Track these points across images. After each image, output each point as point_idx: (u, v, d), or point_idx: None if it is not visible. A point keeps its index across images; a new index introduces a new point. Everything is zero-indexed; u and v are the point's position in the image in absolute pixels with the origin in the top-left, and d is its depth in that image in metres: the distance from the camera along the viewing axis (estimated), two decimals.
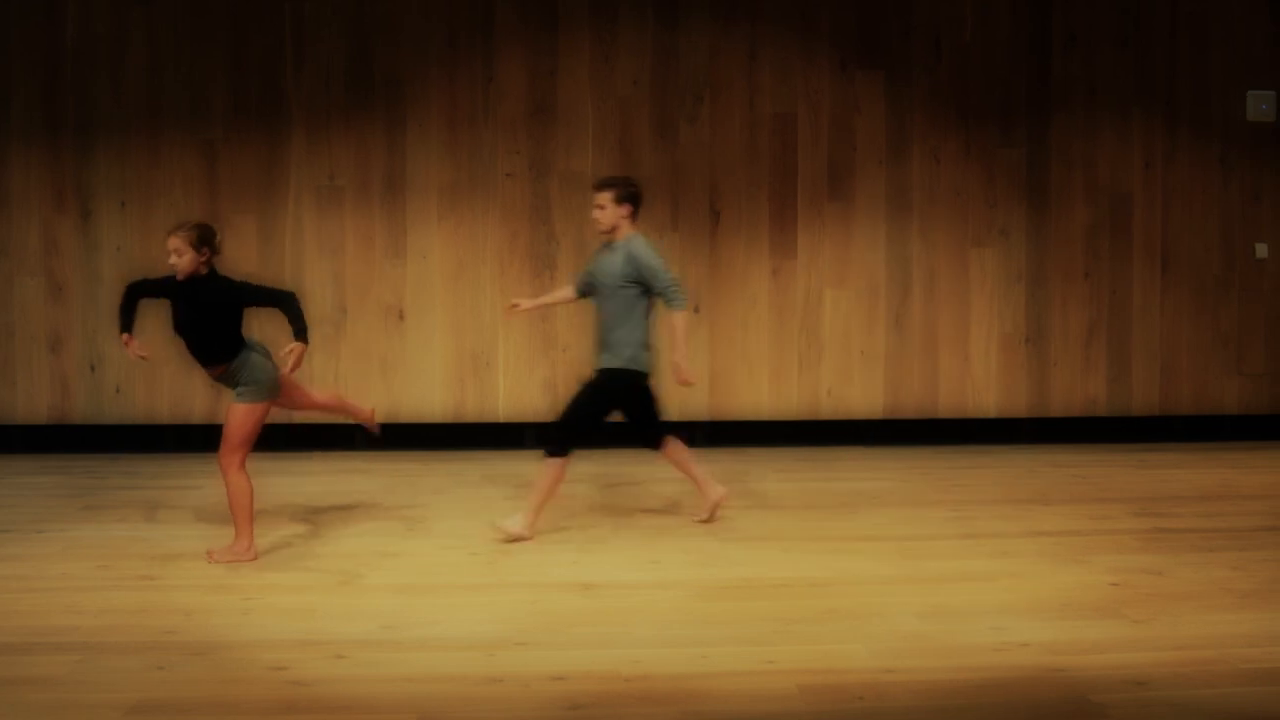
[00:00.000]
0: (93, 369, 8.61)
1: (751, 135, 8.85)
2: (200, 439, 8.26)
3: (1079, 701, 3.90)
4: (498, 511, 6.75)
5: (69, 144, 8.58)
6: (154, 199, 8.62)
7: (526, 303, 6.61)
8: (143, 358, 5.78)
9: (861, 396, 8.97)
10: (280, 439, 8.17)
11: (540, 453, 6.17)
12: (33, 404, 8.65)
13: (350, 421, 6.88)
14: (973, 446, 8.85)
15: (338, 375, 8.68)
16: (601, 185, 6.16)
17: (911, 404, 9.00)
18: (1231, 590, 5.11)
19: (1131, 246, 9.09)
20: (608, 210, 6.09)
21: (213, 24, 8.60)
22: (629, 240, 6.09)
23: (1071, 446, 8.80)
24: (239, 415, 5.61)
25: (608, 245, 6.18)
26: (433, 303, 8.73)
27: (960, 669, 4.19)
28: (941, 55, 8.94)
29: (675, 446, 6.42)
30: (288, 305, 5.61)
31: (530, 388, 8.80)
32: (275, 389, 5.72)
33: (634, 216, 6.15)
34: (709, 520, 6.42)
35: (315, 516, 6.53)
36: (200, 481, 7.30)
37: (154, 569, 5.47)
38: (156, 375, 8.55)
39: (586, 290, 6.35)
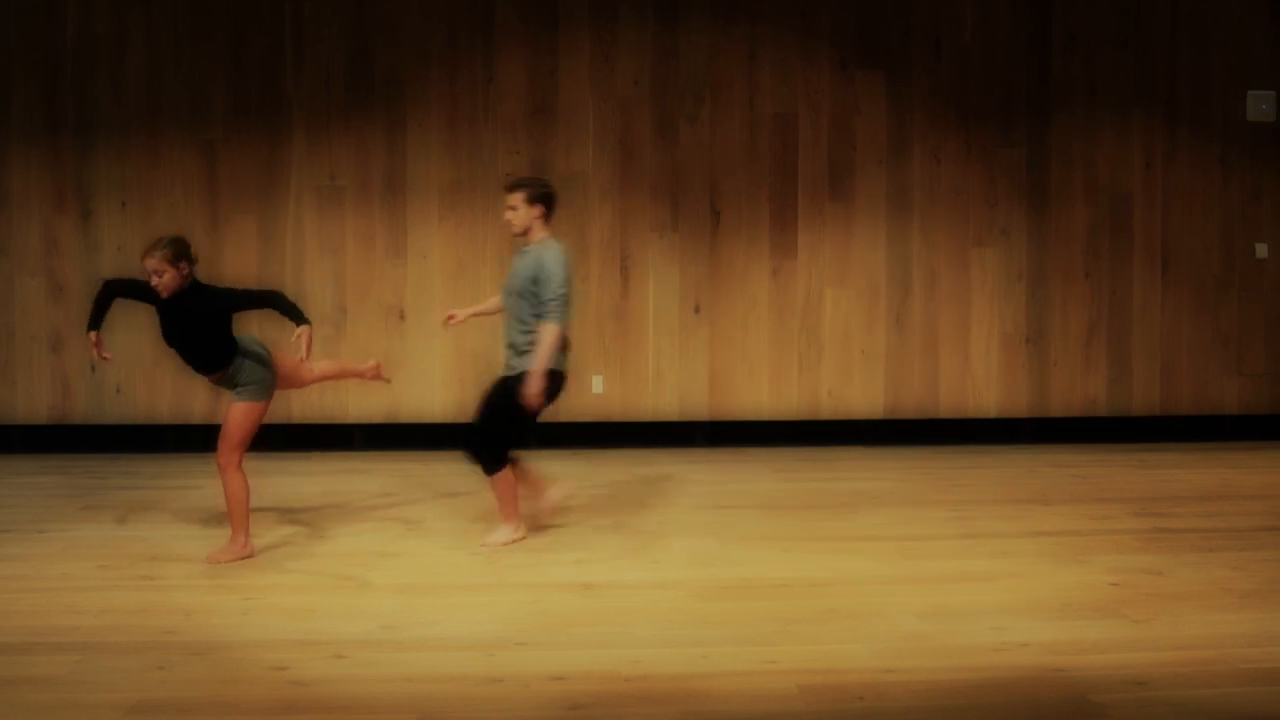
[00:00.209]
0: (93, 369, 8.61)
1: (752, 135, 8.85)
2: (200, 439, 8.25)
3: (1079, 701, 3.90)
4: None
5: (69, 144, 8.58)
6: (154, 199, 8.62)
7: (461, 313, 6.31)
8: (105, 359, 5.74)
9: (862, 396, 8.97)
10: (280, 439, 8.17)
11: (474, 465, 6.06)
12: (33, 404, 8.65)
13: (362, 380, 6.86)
14: (973, 446, 8.85)
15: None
16: (513, 186, 5.95)
17: (912, 404, 9.00)
18: (1231, 590, 5.11)
19: (1132, 246, 9.09)
20: (520, 211, 5.89)
21: (213, 24, 8.60)
22: (543, 244, 5.89)
23: (1072, 446, 8.80)
24: (238, 414, 5.62)
25: (523, 249, 5.97)
26: (433, 303, 8.73)
27: (960, 669, 4.19)
28: (942, 55, 8.94)
29: (509, 476, 6.02)
30: (276, 301, 5.62)
31: None
32: (273, 385, 5.74)
33: (547, 218, 5.95)
34: (543, 519, 6.23)
35: (315, 516, 6.53)
36: (200, 481, 7.30)
37: (154, 569, 5.47)
38: (157, 375, 8.56)
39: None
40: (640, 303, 8.83)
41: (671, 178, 8.83)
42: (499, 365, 8.77)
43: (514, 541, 5.97)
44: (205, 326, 5.56)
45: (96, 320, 5.70)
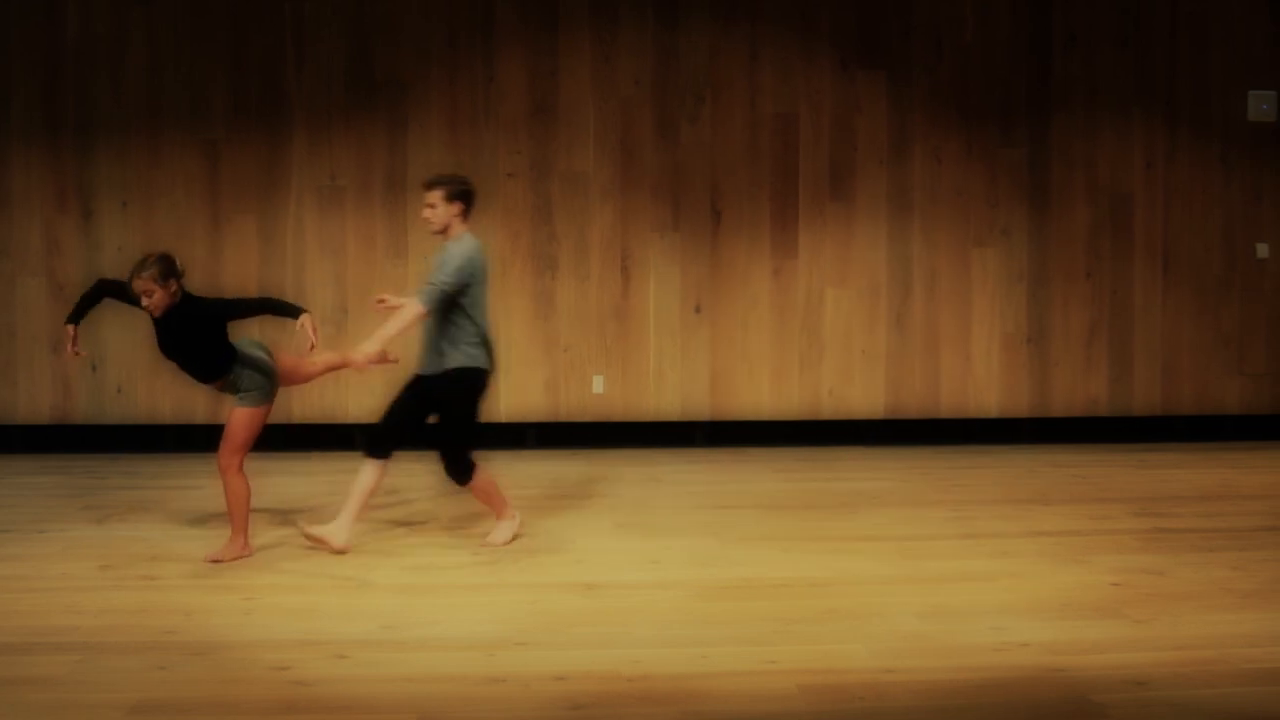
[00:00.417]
0: (94, 369, 8.62)
1: (753, 135, 8.85)
2: (202, 439, 8.25)
3: (1079, 701, 3.90)
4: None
5: (70, 144, 8.58)
6: (155, 199, 8.62)
7: (392, 300, 6.04)
8: (78, 353, 5.72)
9: (863, 396, 8.97)
10: (280, 439, 8.17)
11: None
12: (34, 404, 8.65)
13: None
14: (974, 446, 8.85)
15: (339, 375, 8.65)
16: (431, 184, 5.83)
17: (913, 404, 9.00)
18: (1232, 590, 5.11)
19: (1133, 246, 9.09)
20: (439, 209, 5.77)
21: (214, 24, 8.61)
22: (457, 239, 5.78)
23: (1072, 446, 8.79)
24: (241, 418, 5.63)
25: (441, 246, 5.87)
26: None
27: (960, 669, 4.19)
28: (942, 55, 8.94)
29: (378, 471, 5.80)
30: (269, 306, 5.63)
31: (531, 388, 8.80)
32: (275, 387, 5.75)
33: (466, 215, 5.83)
34: (326, 546, 5.75)
35: (316, 516, 6.52)
36: (201, 482, 7.30)
37: (155, 569, 5.48)
38: (158, 376, 8.55)
39: None
40: (641, 303, 8.84)
41: (672, 177, 8.83)
42: (501, 365, 8.80)
43: (515, 536, 5.97)
44: (201, 338, 5.55)
45: (78, 315, 5.70)
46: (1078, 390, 9.09)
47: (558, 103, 8.76)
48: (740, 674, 4.15)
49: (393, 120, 8.69)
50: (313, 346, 5.66)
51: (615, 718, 3.80)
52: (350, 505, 5.74)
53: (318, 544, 5.69)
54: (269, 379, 5.69)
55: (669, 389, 8.87)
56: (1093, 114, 9.01)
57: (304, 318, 5.52)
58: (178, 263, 5.54)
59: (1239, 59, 9.09)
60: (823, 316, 8.94)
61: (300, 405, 8.60)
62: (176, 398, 8.63)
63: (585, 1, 8.74)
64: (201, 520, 6.43)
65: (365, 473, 5.76)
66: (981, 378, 9.03)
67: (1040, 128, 8.99)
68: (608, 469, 8.00)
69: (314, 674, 4.16)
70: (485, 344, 5.85)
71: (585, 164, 8.77)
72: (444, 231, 5.82)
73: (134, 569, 5.47)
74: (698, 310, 8.85)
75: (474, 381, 5.83)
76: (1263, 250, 9.15)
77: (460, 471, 5.83)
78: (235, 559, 5.61)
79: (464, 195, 5.83)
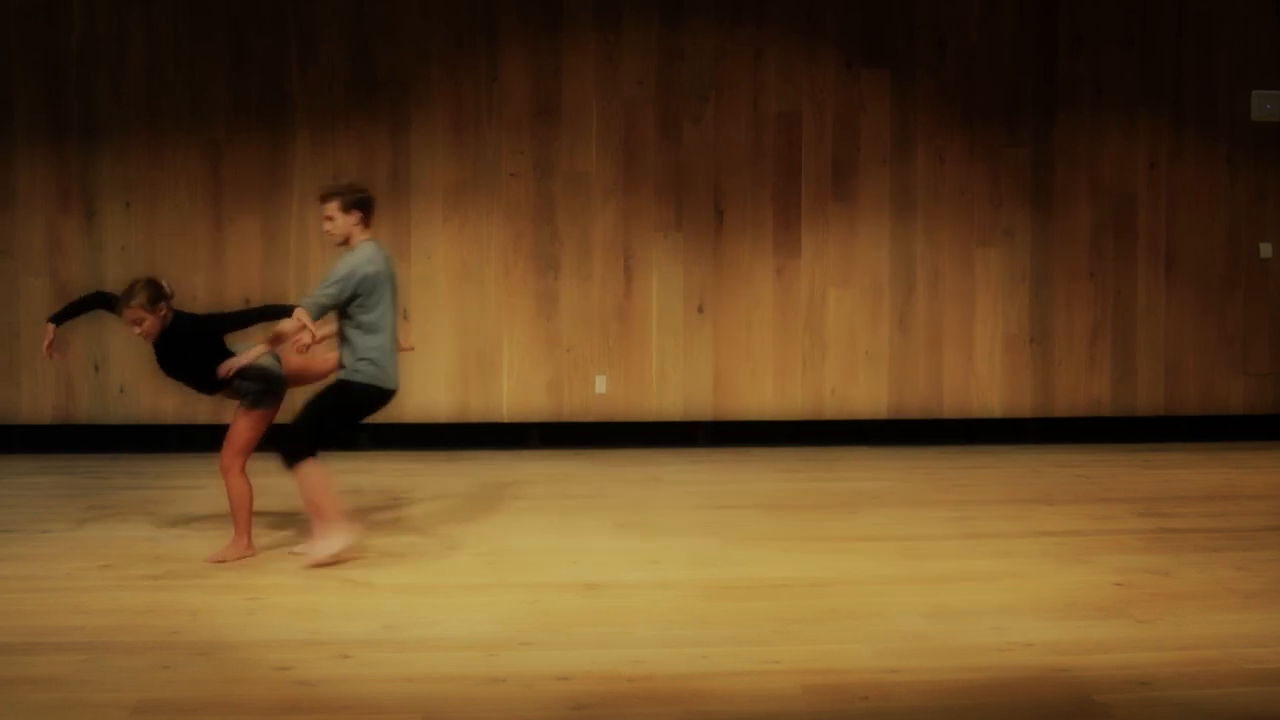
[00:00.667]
0: (97, 369, 8.62)
1: (756, 135, 8.85)
2: (205, 439, 8.25)
3: (1083, 702, 3.90)
4: (503, 512, 6.76)
5: (73, 145, 8.59)
6: (158, 199, 8.63)
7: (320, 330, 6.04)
8: (51, 355, 5.69)
9: (865, 396, 8.97)
10: None
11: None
12: (37, 404, 8.66)
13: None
14: (977, 447, 8.84)
15: None
16: (327, 195, 5.70)
17: (916, 404, 9.00)
18: (1236, 590, 5.11)
19: (1136, 246, 9.08)
20: (337, 220, 5.64)
21: (216, 24, 8.61)
22: (354, 249, 5.65)
23: (1076, 447, 8.79)
24: (245, 422, 5.64)
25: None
26: (437, 303, 8.74)
27: (964, 669, 4.19)
28: (946, 55, 8.93)
29: (321, 467, 5.62)
30: (263, 314, 5.55)
31: (534, 388, 8.80)
32: (282, 391, 5.74)
33: (366, 223, 5.69)
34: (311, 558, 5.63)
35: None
36: (204, 482, 7.30)
37: (158, 569, 5.48)
38: (161, 376, 8.54)
39: None
40: (644, 303, 8.83)
41: (675, 177, 8.83)
42: (503, 366, 8.83)
43: (343, 551, 5.51)
44: (199, 354, 5.53)
45: (62, 317, 5.67)
46: (1081, 390, 9.08)
47: (561, 103, 8.76)
48: (743, 674, 4.15)
49: (395, 120, 8.70)
50: (309, 345, 5.64)
51: (618, 718, 3.80)
52: (323, 512, 5.56)
53: (329, 564, 5.54)
54: (272, 383, 5.68)
55: (672, 389, 8.87)
56: (1097, 114, 9.01)
57: (296, 312, 5.46)
58: (165, 285, 5.48)
59: (1245, 59, 9.08)
60: (825, 316, 8.94)
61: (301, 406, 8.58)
62: (179, 398, 8.61)
63: (589, 2, 8.74)
64: (204, 521, 6.43)
65: (307, 482, 5.57)
66: (984, 378, 9.03)
67: (1044, 127, 8.98)
68: (609, 469, 8.00)
69: (317, 674, 4.16)
70: (383, 358, 5.65)
71: (588, 164, 8.77)
72: (346, 242, 5.70)
73: (137, 569, 5.47)
74: (700, 310, 8.85)
75: (356, 396, 5.64)
76: (1267, 250, 9.14)
77: (291, 453, 5.53)
78: (238, 559, 5.61)
79: (361, 204, 5.69)
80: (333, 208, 5.67)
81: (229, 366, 5.46)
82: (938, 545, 5.93)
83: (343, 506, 5.66)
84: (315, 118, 8.66)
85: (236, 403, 5.71)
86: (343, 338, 5.69)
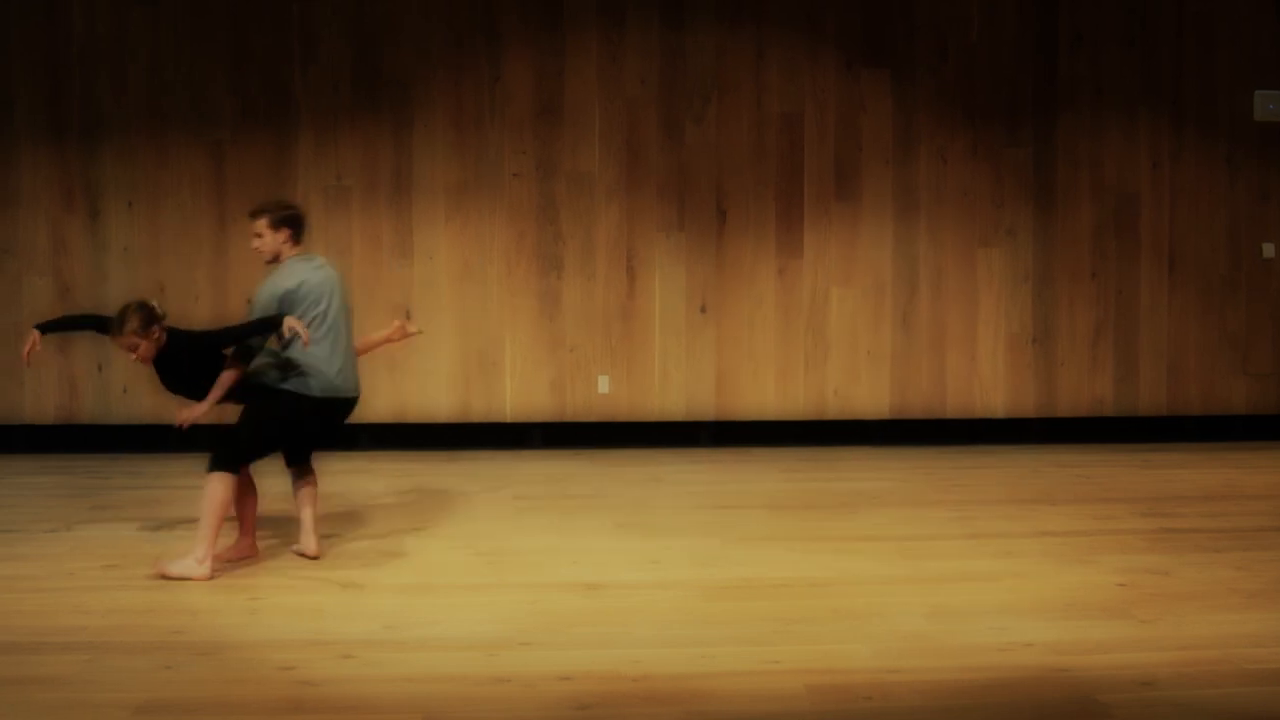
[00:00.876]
0: (100, 369, 8.64)
1: (758, 135, 8.86)
2: (207, 440, 8.25)
3: (1084, 701, 3.90)
4: (504, 512, 6.77)
5: (77, 144, 8.60)
6: (162, 199, 8.64)
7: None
8: (27, 362, 5.65)
9: (868, 396, 8.97)
10: None
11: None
12: (40, 404, 8.67)
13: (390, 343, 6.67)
14: (979, 447, 8.85)
15: None
16: (255, 213, 5.66)
17: (918, 404, 9.00)
18: (1237, 590, 5.11)
19: (1138, 246, 9.08)
20: (265, 238, 5.60)
21: (218, 24, 8.62)
22: (281, 267, 5.61)
23: (1078, 446, 8.79)
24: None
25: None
26: (439, 303, 8.75)
27: (965, 669, 4.19)
28: (948, 55, 8.94)
29: (230, 487, 5.45)
30: (256, 327, 5.45)
31: (537, 388, 8.81)
32: None
33: (295, 240, 5.64)
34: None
35: (321, 517, 6.53)
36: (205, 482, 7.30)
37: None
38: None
39: None
40: (646, 303, 8.84)
41: (678, 177, 8.83)
42: (506, 366, 8.84)
43: (198, 578, 5.26)
44: (197, 370, 5.51)
45: (52, 328, 5.64)
46: (1083, 390, 9.08)
47: (563, 103, 8.77)
48: (744, 674, 4.16)
49: (398, 120, 8.70)
50: (305, 345, 5.64)
51: (620, 718, 3.81)
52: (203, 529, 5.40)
53: (174, 578, 5.31)
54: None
55: (674, 389, 8.87)
56: (1099, 114, 9.01)
57: (285, 320, 5.42)
58: (156, 307, 5.41)
59: (1245, 59, 9.08)
60: (828, 316, 8.94)
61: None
62: (182, 399, 8.63)
63: (592, 2, 8.74)
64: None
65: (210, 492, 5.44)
66: (987, 378, 9.03)
67: (1046, 127, 8.99)
68: (611, 469, 8.00)
69: (319, 674, 4.17)
70: (320, 366, 5.53)
71: (591, 164, 8.78)
72: (276, 260, 5.66)
73: (140, 569, 5.47)
74: (703, 310, 8.85)
75: (285, 405, 5.53)
76: (1268, 250, 9.14)
77: (218, 459, 5.40)
78: (241, 560, 5.62)
79: (289, 220, 5.65)
80: (261, 225, 5.63)
81: (185, 418, 5.44)
82: (939, 545, 5.93)
83: (216, 536, 5.37)
84: (318, 118, 8.67)
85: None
86: (283, 346, 5.56)
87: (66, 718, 3.80)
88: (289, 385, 5.54)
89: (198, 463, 7.96)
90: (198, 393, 5.59)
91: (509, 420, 8.80)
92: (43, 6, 8.57)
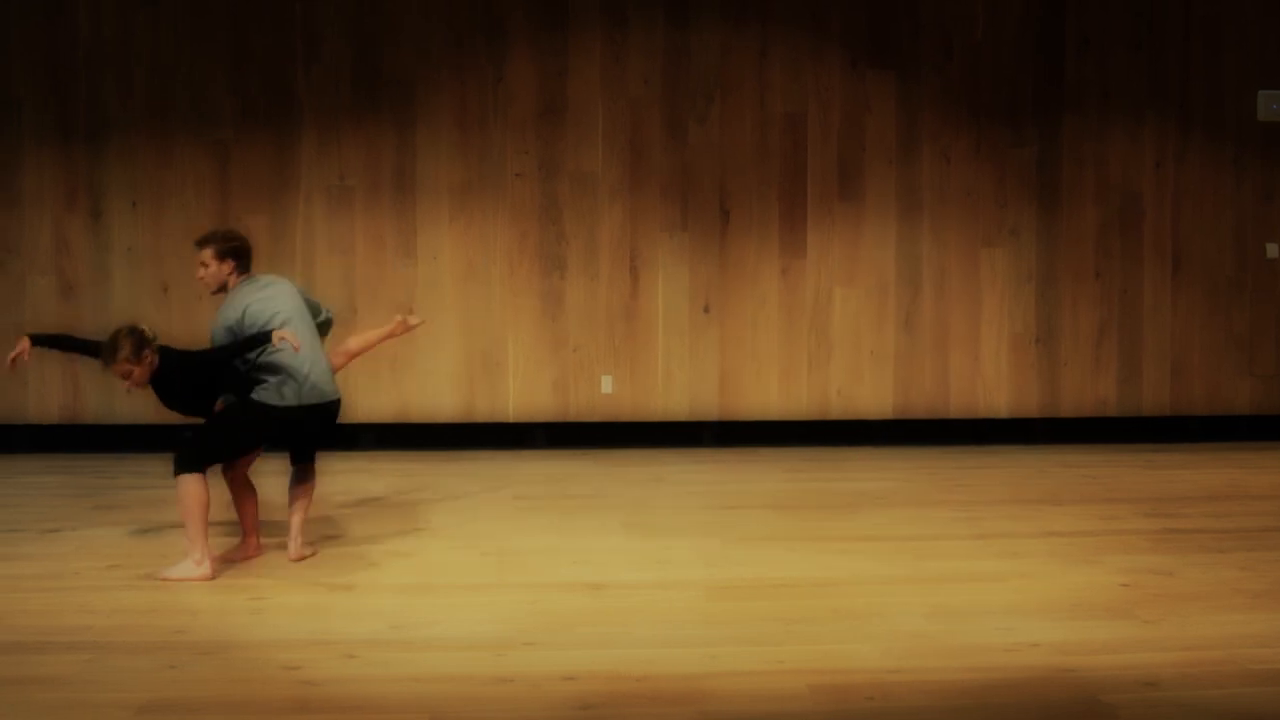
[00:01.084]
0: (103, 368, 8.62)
1: (762, 134, 8.85)
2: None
3: (1089, 702, 3.90)
4: (506, 512, 6.77)
5: (80, 145, 8.60)
6: (165, 199, 8.64)
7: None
8: (12, 369, 5.60)
9: (871, 396, 8.97)
10: None
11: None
12: (44, 403, 8.68)
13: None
14: (983, 447, 8.84)
15: (346, 374, 8.67)
16: (201, 242, 5.66)
17: (922, 404, 8.99)
18: (1241, 591, 5.10)
19: (1142, 247, 9.07)
20: (211, 268, 5.60)
21: (221, 24, 8.62)
22: (233, 290, 5.61)
23: (1082, 447, 8.78)
24: None
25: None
26: (443, 303, 8.74)
27: (970, 669, 4.19)
28: (952, 54, 8.93)
29: (202, 486, 5.41)
30: (246, 344, 5.41)
31: (540, 388, 8.81)
32: None
33: (240, 270, 5.63)
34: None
35: (324, 516, 6.54)
36: (210, 482, 7.29)
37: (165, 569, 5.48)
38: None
39: None
40: (650, 302, 8.84)
41: (681, 177, 8.83)
42: (509, 366, 8.84)
43: (198, 579, 5.27)
44: (200, 386, 5.49)
45: (43, 341, 5.57)
46: (1087, 391, 9.07)
47: (566, 103, 8.76)
48: (748, 674, 4.15)
49: (401, 120, 8.71)
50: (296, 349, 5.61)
51: (625, 718, 3.81)
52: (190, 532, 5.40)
53: (176, 580, 5.32)
54: None
55: (677, 389, 8.87)
56: (1104, 115, 9.00)
57: (274, 334, 5.38)
58: (147, 331, 5.33)
59: (1252, 61, 9.07)
60: (831, 316, 8.94)
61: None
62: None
63: (595, 1, 8.74)
64: (211, 521, 6.42)
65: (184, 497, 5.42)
66: (990, 378, 9.02)
67: (1050, 127, 8.98)
68: (614, 469, 8.00)
69: (323, 674, 4.16)
70: (287, 376, 5.47)
71: (594, 164, 8.77)
72: (223, 290, 5.66)
73: (144, 569, 5.48)
74: (706, 310, 8.85)
75: (250, 413, 5.49)
76: (1273, 251, 9.13)
77: (178, 461, 5.38)
78: (244, 560, 5.62)
79: (234, 252, 5.62)
80: (207, 255, 5.61)
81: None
82: (943, 545, 5.92)
83: (205, 534, 5.36)
84: (321, 118, 8.67)
85: None
86: (256, 356, 5.53)
87: (69, 717, 3.80)
88: (256, 395, 5.48)
89: None
90: (193, 410, 5.56)
91: (512, 420, 8.80)
92: (48, 9, 8.57)
